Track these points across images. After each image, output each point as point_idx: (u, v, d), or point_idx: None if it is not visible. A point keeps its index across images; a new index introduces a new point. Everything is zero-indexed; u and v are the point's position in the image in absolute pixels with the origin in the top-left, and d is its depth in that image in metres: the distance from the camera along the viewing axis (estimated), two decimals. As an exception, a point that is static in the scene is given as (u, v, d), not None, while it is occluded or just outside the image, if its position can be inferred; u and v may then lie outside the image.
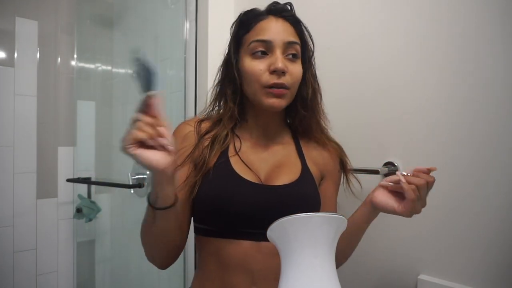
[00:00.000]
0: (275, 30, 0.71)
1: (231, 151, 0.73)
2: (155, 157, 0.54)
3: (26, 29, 1.68)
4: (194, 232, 0.75)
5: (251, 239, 0.67)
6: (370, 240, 0.95)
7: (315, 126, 0.79)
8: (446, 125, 0.81)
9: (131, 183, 1.60)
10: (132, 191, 1.64)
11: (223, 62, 0.79)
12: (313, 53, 0.78)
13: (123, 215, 1.87)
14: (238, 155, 0.73)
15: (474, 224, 0.77)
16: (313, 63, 0.79)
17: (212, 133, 0.74)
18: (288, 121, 0.82)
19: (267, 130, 0.77)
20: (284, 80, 0.69)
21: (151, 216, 0.63)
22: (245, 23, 0.74)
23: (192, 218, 0.75)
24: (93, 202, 1.78)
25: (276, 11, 0.74)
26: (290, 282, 0.52)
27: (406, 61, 0.88)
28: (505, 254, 0.73)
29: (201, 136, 0.74)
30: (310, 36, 0.77)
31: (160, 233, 0.66)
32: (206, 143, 0.73)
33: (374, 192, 0.70)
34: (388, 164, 0.90)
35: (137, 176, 1.63)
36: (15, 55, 1.65)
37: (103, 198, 1.91)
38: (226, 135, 0.74)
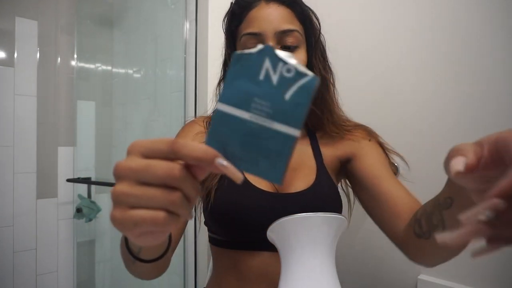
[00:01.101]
0: (266, 19, 0.62)
1: None
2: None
3: (26, 29, 1.68)
4: (209, 241, 0.72)
5: (270, 250, 0.61)
6: (370, 240, 0.95)
7: (327, 119, 0.70)
8: (446, 125, 0.81)
9: (131, 183, 1.60)
10: (132, 191, 1.64)
11: (223, 59, 0.74)
12: (320, 33, 0.69)
13: (123, 215, 1.87)
14: None
15: (474, 224, 0.77)
16: (322, 45, 0.70)
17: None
18: None
19: None
20: None
21: (130, 259, 0.43)
22: (237, 13, 0.67)
23: (204, 226, 0.71)
24: (93, 202, 1.78)
25: None
26: (290, 282, 0.52)
27: (406, 61, 0.88)
28: (505, 254, 0.73)
29: None
30: (314, 15, 0.68)
31: (143, 272, 0.50)
32: None
33: None
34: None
35: (137, 176, 1.63)
36: (15, 55, 1.65)
37: (103, 198, 1.91)
38: None
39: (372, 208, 0.66)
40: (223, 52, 0.73)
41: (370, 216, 0.68)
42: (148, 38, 1.65)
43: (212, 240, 0.70)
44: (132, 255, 0.42)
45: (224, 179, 0.64)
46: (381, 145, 0.72)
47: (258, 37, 0.62)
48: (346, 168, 0.73)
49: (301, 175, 0.68)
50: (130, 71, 1.85)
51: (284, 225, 0.52)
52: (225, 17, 0.70)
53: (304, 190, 0.65)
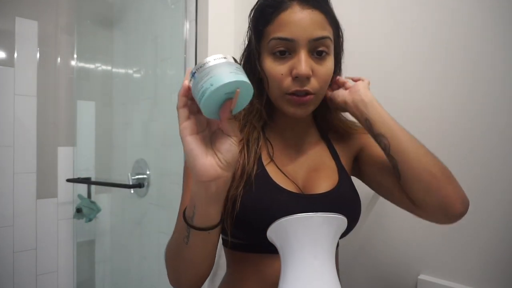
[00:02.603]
0: (300, 25, 0.58)
1: (264, 158, 0.66)
2: (205, 160, 0.45)
3: (26, 29, 1.68)
4: (225, 245, 0.68)
5: None
6: (370, 240, 0.95)
7: (339, 119, 0.73)
8: (446, 125, 0.81)
9: (131, 183, 1.60)
10: (132, 191, 1.64)
11: (245, 55, 0.69)
12: (343, 39, 0.69)
13: (123, 215, 1.88)
14: (274, 162, 0.66)
15: (474, 224, 0.77)
16: (342, 50, 0.71)
17: (241, 136, 0.65)
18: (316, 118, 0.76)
19: (296, 130, 0.71)
20: (309, 86, 0.60)
21: (184, 235, 0.52)
22: (264, 12, 0.62)
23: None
24: (93, 202, 1.78)
25: None
26: (290, 282, 0.52)
27: (407, 60, 0.88)
28: (505, 254, 0.73)
29: None
30: (338, 23, 0.67)
31: (192, 259, 0.54)
32: (239, 148, 0.65)
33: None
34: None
35: (137, 176, 1.63)
36: (15, 55, 1.65)
37: (103, 198, 1.91)
38: (258, 137, 0.66)
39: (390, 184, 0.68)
40: (245, 45, 0.70)
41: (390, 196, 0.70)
42: (148, 38, 1.65)
43: (232, 245, 0.66)
44: (187, 224, 0.51)
45: (249, 186, 0.61)
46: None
47: (291, 43, 0.59)
48: (357, 160, 0.75)
49: (324, 175, 0.68)
50: (130, 71, 1.85)
51: (284, 225, 0.52)
52: (252, 13, 0.66)
53: (330, 190, 0.65)
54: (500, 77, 0.74)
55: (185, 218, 0.51)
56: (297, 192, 0.64)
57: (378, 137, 0.64)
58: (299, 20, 0.59)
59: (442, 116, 0.82)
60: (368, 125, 0.65)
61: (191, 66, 0.46)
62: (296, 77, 0.59)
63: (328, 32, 0.61)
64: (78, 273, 1.84)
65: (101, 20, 1.97)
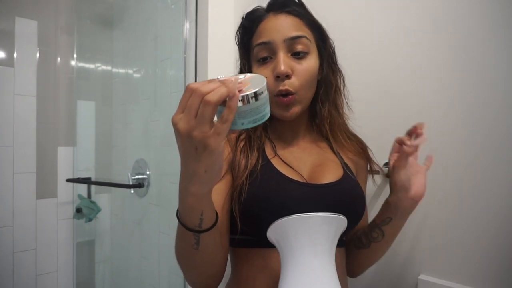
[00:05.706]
0: (275, 28, 0.65)
1: (269, 153, 0.68)
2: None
3: (26, 29, 1.68)
4: (237, 246, 0.68)
5: None
6: (370, 240, 0.95)
7: (333, 123, 0.74)
8: (447, 125, 0.81)
9: (131, 183, 1.60)
10: (132, 191, 1.64)
11: (239, 68, 0.75)
12: (328, 38, 0.72)
13: (123, 215, 1.87)
14: (279, 156, 0.68)
15: (474, 225, 0.77)
16: (332, 50, 0.73)
17: (244, 135, 0.70)
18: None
19: (295, 130, 0.74)
20: (289, 85, 0.64)
21: (194, 242, 0.52)
22: (247, 27, 0.71)
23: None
24: (93, 202, 1.78)
25: (275, 6, 0.68)
26: (290, 282, 0.52)
27: (406, 61, 0.88)
28: (505, 254, 0.73)
29: (236, 140, 0.70)
30: (320, 25, 0.71)
31: (205, 259, 0.56)
32: (242, 143, 0.69)
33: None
34: (388, 164, 0.90)
35: (137, 176, 1.63)
36: (15, 55, 1.65)
37: (103, 198, 1.91)
38: (260, 135, 0.70)
39: None
40: (238, 62, 0.76)
41: None
42: (148, 38, 1.65)
43: (238, 243, 0.67)
44: (196, 232, 0.50)
45: (255, 176, 0.63)
46: (369, 160, 0.80)
47: (269, 46, 0.65)
48: None
49: (329, 168, 0.69)
50: (130, 71, 1.85)
51: (284, 225, 0.52)
52: (237, 31, 0.74)
53: (336, 181, 0.67)
54: (503, 76, 0.74)
55: (191, 229, 0.50)
56: (303, 181, 0.65)
57: (379, 226, 0.71)
58: (274, 25, 0.66)
59: (446, 118, 0.82)
60: (387, 221, 0.70)
61: (234, 77, 0.43)
62: (278, 76, 0.64)
63: (304, 32, 0.66)
64: (78, 273, 1.84)
65: (101, 20, 1.96)
